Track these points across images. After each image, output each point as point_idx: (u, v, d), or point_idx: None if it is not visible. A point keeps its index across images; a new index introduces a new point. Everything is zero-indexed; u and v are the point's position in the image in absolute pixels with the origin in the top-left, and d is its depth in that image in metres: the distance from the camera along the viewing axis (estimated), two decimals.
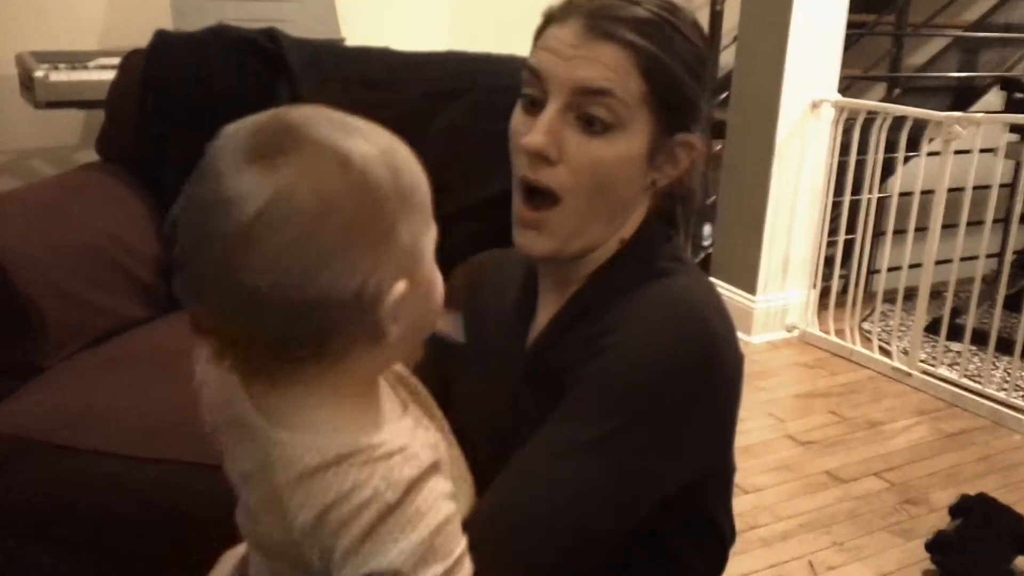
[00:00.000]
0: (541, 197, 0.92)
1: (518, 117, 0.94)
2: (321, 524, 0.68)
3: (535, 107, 0.92)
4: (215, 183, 0.65)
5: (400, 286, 0.69)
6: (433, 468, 0.71)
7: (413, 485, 0.68)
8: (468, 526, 0.75)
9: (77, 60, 2.59)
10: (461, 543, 0.71)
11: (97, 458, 1.43)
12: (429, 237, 0.74)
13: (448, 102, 1.94)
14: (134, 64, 2.14)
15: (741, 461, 2.56)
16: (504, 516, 0.83)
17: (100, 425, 1.47)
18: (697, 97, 0.94)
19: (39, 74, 2.46)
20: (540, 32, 0.94)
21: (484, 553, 0.74)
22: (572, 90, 0.88)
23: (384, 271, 0.68)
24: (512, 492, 0.83)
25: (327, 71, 2.06)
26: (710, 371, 0.89)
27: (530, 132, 0.89)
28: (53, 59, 2.58)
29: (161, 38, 2.14)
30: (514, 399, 0.99)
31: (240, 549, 0.91)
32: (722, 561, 1.05)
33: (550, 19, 0.93)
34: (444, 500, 0.70)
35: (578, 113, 0.89)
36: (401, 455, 0.69)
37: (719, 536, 1.03)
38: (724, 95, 3.45)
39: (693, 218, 1.05)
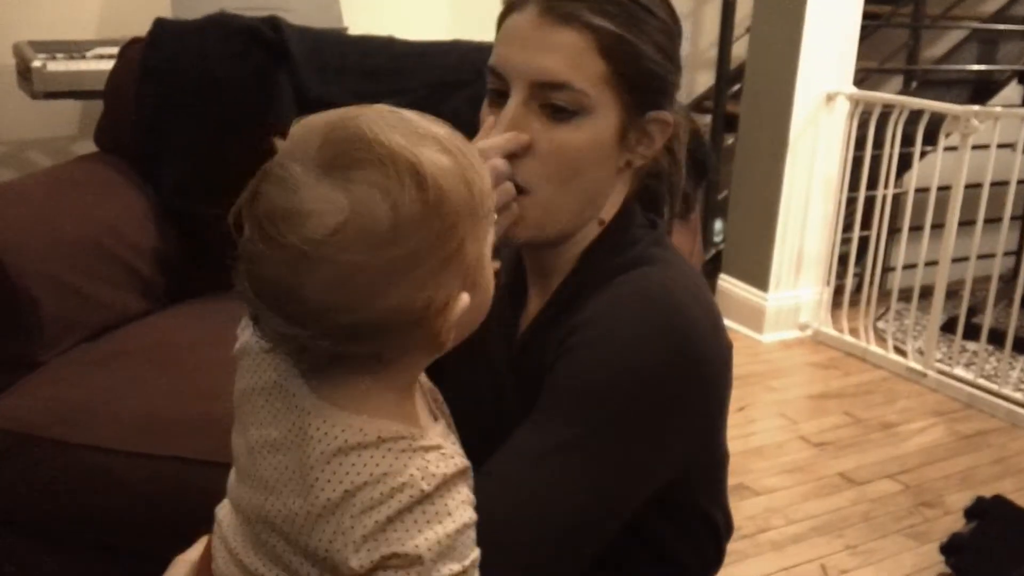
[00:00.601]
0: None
1: (485, 112, 0.93)
2: (347, 503, 0.67)
3: (501, 98, 0.90)
4: (290, 190, 0.64)
5: (464, 299, 0.69)
6: (464, 473, 0.72)
7: (447, 482, 0.68)
8: None
9: (75, 50, 2.55)
10: (476, 552, 0.71)
11: (93, 453, 1.42)
12: (489, 242, 0.73)
13: (453, 92, 1.90)
14: (133, 53, 2.10)
15: (752, 462, 2.54)
16: (490, 536, 0.77)
17: (96, 420, 1.46)
18: (667, 73, 0.92)
19: (36, 64, 2.42)
20: (500, 21, 0.92)
21: None
22: (531, 83, 0.87)
23: (451, 287, 0.68)
24: (481, 499, 0.79)
25: (330, 60, 2.02)
26: (688, 366, 0.86)
27: (494, 128, 0.88)
28: (51, 49, 2.55)
29: (160, 27, 2.10)
30: (499, 392, 0.98)
31: (192, 554, 0.87)
32: (718, 555, 1.03)
33: (510, 7, 0.91)
34: (469, 506, 0.71)
35: (541, 102, 0.87)
36: (438, 452, 0.69)
37: (713, 530, 1.01)
38: (736, 87, 3.40)
39: (680, 198, 1.02)
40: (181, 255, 1.98)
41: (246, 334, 0.78)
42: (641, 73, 0.89)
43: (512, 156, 0.87)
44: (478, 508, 0.75)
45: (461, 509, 0.69)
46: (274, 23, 2.03)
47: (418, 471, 0.67)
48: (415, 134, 0.66)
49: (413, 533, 0.66)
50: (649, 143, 0.93)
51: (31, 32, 2.69)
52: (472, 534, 0.70)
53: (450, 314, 0.68)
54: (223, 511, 0.81)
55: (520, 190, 0.89)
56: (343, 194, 0.63)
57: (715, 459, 1.00)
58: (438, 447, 0.70)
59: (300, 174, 0.64)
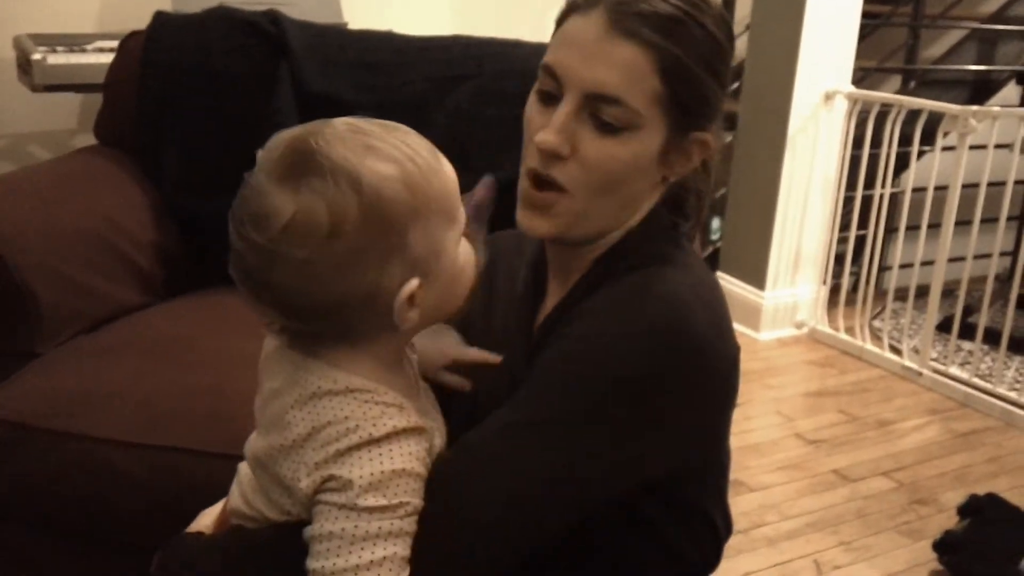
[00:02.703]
0: (549, 184, 0.92)
1: (533, 107, 0.94)
2: (311, 438, 0.78)
3: (551, 100, 0.92)
4: (253, 196, 0.75)
5: (410, 286, 0.78)
6: (417, 432, 0.80)
7: (397, 433, 0.78)
8: None
9: (75, 43, 2.55)
10: (411, 500, 0.77)
11: (92, 444, 1.42)
12: (453, 231, 0.82)
13: (454, 87, 1.90)
14: (133, 46, 2.10)
15: (748, 459, 2.55)
16: (440, 491, 0.82)
17: (96, 411, 1.46)
18: (715, 96, 0.93)
19: (36, 57, 2.42)
20: (561, 21, 0.93)
21: (426, 525, 0.79)
22: (585, 93, 0.88)
23: (394, 276, 0.77)
24: (451, 467, 0.84)
25: (330, 54, 2.02)
26: (678, 367, 0.86)
27: (544, 129, 0.90)
28: (51, 42, 2.55)
29: (160, 20, 2.10)
30: (512, 383, 0.98)
31: (216, 508, 0.97)
32: (716, 554, 1.04)
33: (573, 7, 0.92)
34: (416, 460, 0.79)
35: (592, 112, 0.89)
36: (398, 408, 0.79)
37: (712, 529, 1.02)
38: (736, 85, 3.40)
39: (706, 212, 1.04)
40: (180, 248, 1.99)
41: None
42: (693, 96, 0.90)
43: (556, 157, 0.89)
44: (440, 463, 0.82)
45: (404, 458, 0.77)
46: (273, 17, 2.04)
47: (373, 418, 0.78)
48: (363, 146, 0.76)
49: (354, 465, 0.76)
50: (687, 162, 0.95)
51: (32, 25, 2.70)
52: (411, 483, 0.78)
53: (398, 299, 0.78)
54: (243, 466, 0.92)
55: (559, 188, 0.91)
56: (291, 199, 0.74)
57: (716, 461, 1.00)
58: (399, 405, 0.80)
59: (263, 182, 0.75)
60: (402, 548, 0.76)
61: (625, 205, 0.94)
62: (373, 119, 0.80)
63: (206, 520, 0.97)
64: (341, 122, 0.78)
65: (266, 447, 0.83)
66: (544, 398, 0.86)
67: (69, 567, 1.50)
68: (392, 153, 0.77)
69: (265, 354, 0.88)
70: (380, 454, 0.76)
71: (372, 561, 0.75)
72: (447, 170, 0.81)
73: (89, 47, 2.53)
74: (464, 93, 1.88)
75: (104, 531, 1.44)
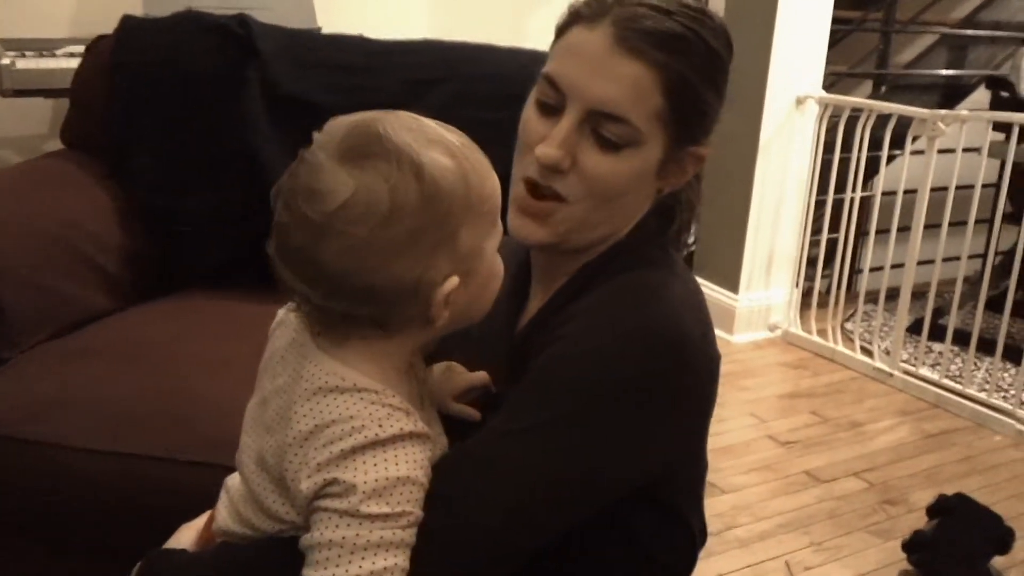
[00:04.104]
0: (548, 194, 0.92)
1: (532, 116, 0.93)
2: (315, 436, 0.77)
3: (551, 111, 0.91)
4: (312, 172, 0.75)
5: (452, 282, 0.78)
6: (422, 439, 0.79)
7: (403, 437, 0.77)
8: None
9: (45, 48, 2.53)
10: (414, 511, 0.76)
11: (61, 451, 1.41)
12: (494, 238, 0.83)
13: (427, 91, 1.91)
14: (101, 50, 2.09)
15: (721, 461, 2.56)
16: (443, 499, 0.81)
17: (64, 418, 1.45)
18: (713, 109, 0.93)
19: (5, 62, 2.40)
20: (564, 29, 0.93)
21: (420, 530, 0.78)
22: (589, 109, 0.88)
23: (440, 269, 0.77)
24: (451, 475, 0.83)
25: (300, 57, 2.02)
26: (669, 369, 0.86)
27: (545, 142, 0.89)
28: (21, 47, 2.53)
29: (129, 23, 2.09)
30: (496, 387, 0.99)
31: (198, 523, 0.96)
32: (691, 560, 1.04)
33: (577, 17, 0.91)
34: (421, 468, 0.77)
35: (593, 127, 0.89)
36: (405, 413, 0.78)
37: (689, 535, 1.02)
38: None
39: (694, 222, 1.04)
40: (149, 252, 1.97)
41: (282, 311, 0.89)
42: (694, 112, 0.91)
43: (556, 170, 0.89)
44: (438, 473, 0.81)
45: (409, 465, 0.76)
46: (243, 20, 2.03)
47: (380, 420, 0.76)
48: (425, 138, 0.77)
49: (358, 468, 0.74)
50: (682, 173, 0.95)
51: (2, 30, 2.68)
52: (414, 492, 0.76)
53: (439, 293, 0.78)
54: (233, 479, 0.91)
55: (559, 198, 0.91)
56: (353, 178, 0.74)
57: (697, 466, 1.01)
58: (406, 409, 0.78)
59: (323, 160, 0.75)
60: (403, 559, 0.75)
61: (621, 216, 0.95)
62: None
63: (187, 535, 0.96)
64: (405, 114, 0.79)
65: (274, 446, 0.81)
66: (543, 401, 0.86)
67: (36, 572, 1.48)
68: (452, 148, 0.78)
69: (268, 355, 0.87)
70: (385, 459, 0.75)
71: (372, 572, 0.73)
72: (493, 175, 0.82)
73: (59, 52, 2.51)
74: (437, 97, 1.88)
75: (69, 536, 1.43)
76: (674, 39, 0.87)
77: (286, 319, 0.88)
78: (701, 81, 0.89)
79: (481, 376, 1.02)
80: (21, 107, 2.71)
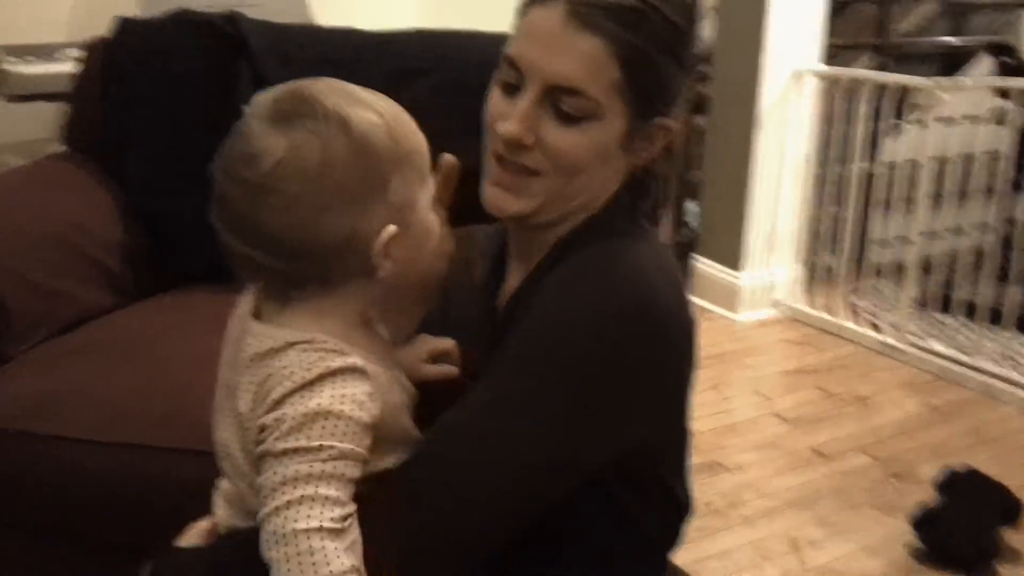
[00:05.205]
0: (519, 167, 0.93)
1: (495, 96, 0.95)
2: (256, 399, 0.79)
3: (513, 90, 0.93)
4: (244, 139, 0.79)
5: (389, 231, 0.81)
6: (354, 371, 0.79)
7: (330, 373, 0.77)
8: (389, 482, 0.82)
9: (46, 52, 2.55)
10: (337, 446, 0.76)
11: (59, 444, 1.44)
12: (425, 191, 0.86)
13: (413, 80, 1.92)
14: (97, 52, 2.12)
15: (725, 439, 2.56)
16: (426, 475, 0.84)
17: (62, 412, 1.48)
18: (676, 81, 0.94)
19: (7, 67, 2.43)
20: (523, 10, 0.94)
21: (396, 505, 0.80)
22: (546, 85, 0.90)
23: (374, 218, 0.81)
24: (433, 450, 0.85)
25: (290, 51, 2.03)
26: (645, 332, 0.87)
27: (507, 119, 0.91)
28: (22, 52, 2.55)
29: (123, 26, 2.12)
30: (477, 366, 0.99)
31: (205, 523, 0.95)
32: (678, 530, 1.05)
33: (530, 1, 0.93)
34: (351, 402, 0.77)
35: (553, 102, 0.90)
36: (338, 353, 0.79)
37: (675, 505, 1.03)
38: (706, 68, 3.41)
39: (670, 195, 1.05)
40: (148, 250, 2.00)
41: (242, 304, 0.89)
42: (654, 83, 0.92)
43: (522, 146, 0.91)
44: (421, 449, 0.84)
45: (332, 399, 0.76)
46: (232, 17, 2.05)
47: (308, 364, 0.77)
48: (352, 98, 0.81)
49: (284, 412, 0.76)
50: (650, 147, 0.96)
51: (3, 36, 2.71)
52: (338, 426, 0.76)
53: (376, 242, 0.81)
54: (222, 482, 0.92)
55: (530, 172, 0.93)
56: (285, 138, 0.78)
57: (678, 435, 1.02)
58: (339, 350, 0.79)
59: (255, 126, 0.79)
60: (326, 489, 0.74)
61: (591, 192, 0.96)
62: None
63: (199, 531, 0.96)
64: (332, 80, 0.83)
65: (232, 428, 0.83)
66: (515, 375, 0.87)
67: (37, 564, 1.52)
68: (377, 107, 0.82)
69: (224, 347, 0.89)
70: (309, 396, 0.76)
71: (290, 502, 0.74)
72: (421, 134, 0.86)
73: (60, 56, 2.54)
74: (423, 86, 1.89)
75: (71, 528, 1.46)
76: (627, 11, 0.88)
77: (241, 311, 0.89)
78: (659, 52, 0.90)
79: (448, 342, 1.04)
80: (25, 111, 2.74)
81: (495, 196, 0.95)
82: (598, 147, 0.92)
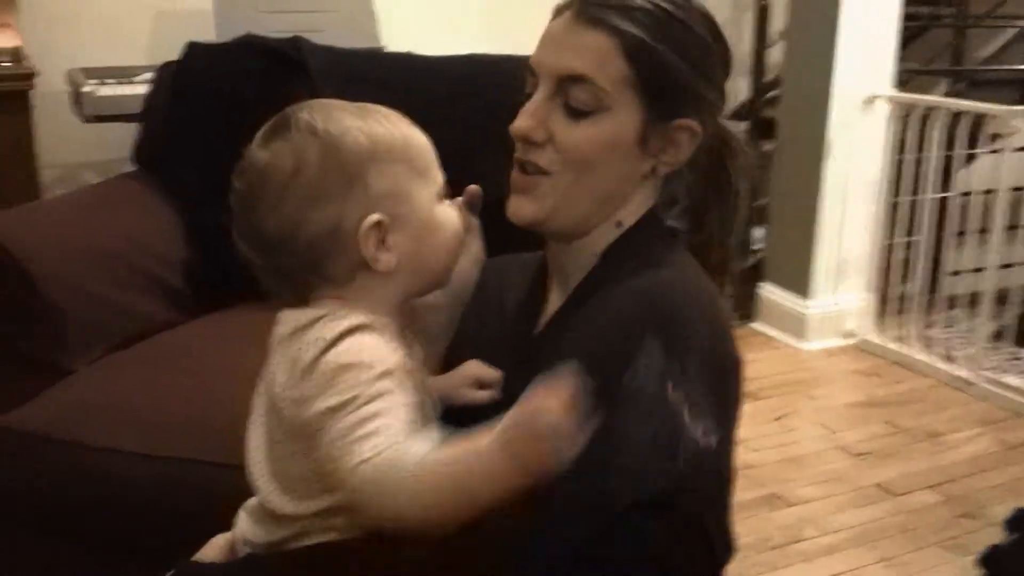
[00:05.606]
0: (533, 169, 0.95)
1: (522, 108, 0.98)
2: (291, 375, 0.83)
3: (531, 98, 0.96)
4: (247, 159, 0.88)
5: (371, 219, 0.85)
6: (372, 328, 0.84)
7: (347, 331, 0.82)
8: None
9: (124, 75, 2.65)
10: (364, 392, 0.79)
11: (104, 454, 1.48)
12: (421, 185, 0.89)
13: (463, 102, 1.94)
14: (165, 75, 2.19)
15: (787, 472, 2.50)
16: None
17: (110, 423, 1.52)
18: (695, 84, 0.94)
19: (87, 89, 2.53)
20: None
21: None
22: (556, 78, 0.93)
23: (356, 208, 0.85)
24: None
25: (350, 76, 2.06)
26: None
27: (518, 117, 0.94)
28: (102, 75, 2.66)
29: (192, 50, 2.18)
30: (513, 390, 0.98)
31: (228, 535, 0.98)
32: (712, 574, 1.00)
33: (553, 15, 0.97)
34: (365, 351, 0.82)
35: (564, 100, 0.93)
36: (355, 314, 0.84)
37: (709, 546, 0.98)
38: (773, 93, 3.37)
39: (734, 221, 1.03)
40: (208, 266, 2.05)
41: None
42: (665, 80, 0.92)
43: (534, 144, 0.94)
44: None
45: (348, 354, 0.82)
46: (296, 43, 2.10)
47: (329, 328, 0.83)
48: (328, 110, 0.88)
49: (315, 374, 0.81)
50: (675, 151, 0.96)
51: (85, 59, 2.82)
52: (360, 374, 0.80)
53: (361, 230, 0.85)
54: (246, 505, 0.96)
55: (542, 171, 0.94)
56: (268, 151, 0.87)
57: (717, 473, 0.98)
58: (355, 314, 0.84)
59: (253, 147, 0.88)
60: (380, 421, 0.79)
61: (608, 193, 0.96)
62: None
63: (216, 546, 0.99)
64: (320, 101, 0.90)
65: (275, 421, 0.86)
66: None
67: (82, 570, 1.55)
68: (359, 113, 0.88)
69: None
70: (331, 358, 0.81)
71: (355, 450, 0.78)
72: (416, 134, 0.90)
73: (137, 79, 2.62)
74: (474, 108, 1.91)
75: (118, 536, 1.49)
76: (634, 9, 0.92)
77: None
78: (667, 49, 0.92)
79: (495, 373, 1.03)
80: (104, 131, 2.84)
81: (513, 204, 0.97)
82: (608, 140, 0.93)
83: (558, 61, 0.93)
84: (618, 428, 0.83)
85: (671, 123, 0.94)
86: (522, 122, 0.94)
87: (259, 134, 0.89)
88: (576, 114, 0.92)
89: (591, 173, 0.94)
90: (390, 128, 0.89)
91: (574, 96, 0.92)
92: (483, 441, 0.74)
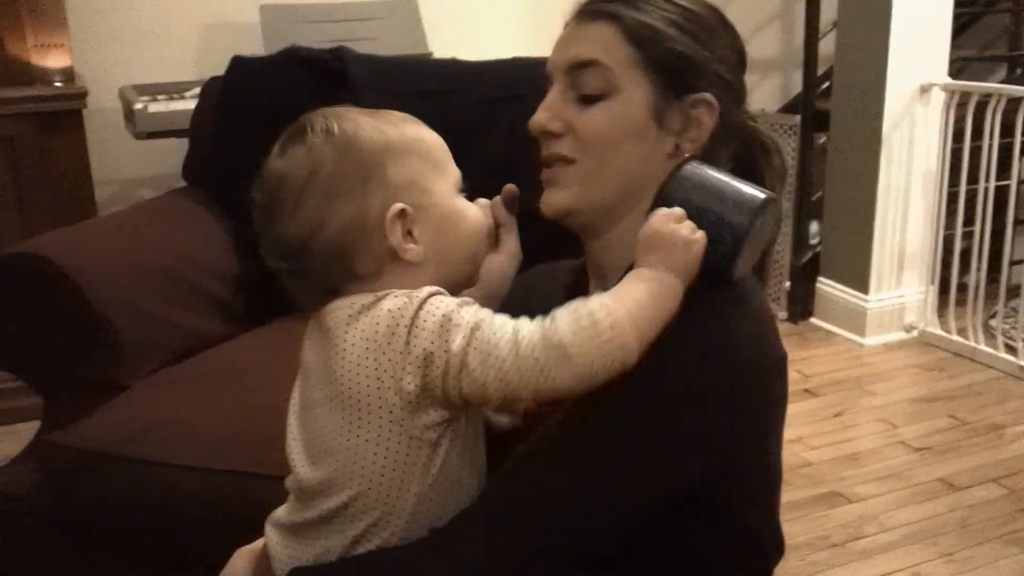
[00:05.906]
0: (557, 159, 0.98)
1: None
2: (371, 346, 0.82)
3: None
4: (265, 169, 0.89)
5: (394, 208, 0.86)
6: (440, 292, 0.84)
7: (432, 295, 0.83)
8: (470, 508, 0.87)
9: (175, 91, 2.70)
10: (471, 320, 0.81)
11: (161, 469, 1.50)
12: (438, 177, 0.90)
13: (505, 106, 1.94)
14: (212, 90, 2.22)
15: (846, 469, 2.47)
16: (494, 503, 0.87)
17: (166, 438, 1.54)
18: (699, 56, 0.96)
19: (138, 106, 2.58)
20: None
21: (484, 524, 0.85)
22: (566, 70, 0.96)
23: (377, 200, 0.86)
24: (507, 478, 0.88)
25: (392, 85, 2.08)
26: (711, 376, 0.85)
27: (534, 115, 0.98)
28: (153, 91, 2.70)
29: (237, 64, 2.22)
30: None
31: (255, 545, 0.99)
32: (760, 574, 1.00)
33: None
34: (456, 304, 0.82)
35: (576, 91, 0.96)
36: (438, 291, 0.84)
37: (758, 549, 0.98)
38: (826, 84, 3.31)
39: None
40: (259, 279, 2.07)
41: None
42: (668, 54, 0.95)
43: (554, 136, 0.96)
44: (499, 487, 0.88)
45: (445, 305, 0.82)
46: (338, 53, 2.12)
47: (409, 296, 0.83)
48: (345, 113, 0.90)
49: (423, 336, 0.81)
50: (696, 128, 0.96)
51: (136, 76, 2.88)
52: (465, 315, 0.81)
53: (387, 220, 0.86)
54: (278, 511, 0.97)
55: (565, 160, 0.96)
56: (283, 159, 0.88)
57: (763, 475, 0.98)
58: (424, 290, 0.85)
59: (271, 157, 0.89)
60: (517, 322, 0.81)
61: (632, 175, 0.96)
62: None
63: (243, 560, 1.00)
64: (335, 108, 0.91)
65: (320, 401, 0.87)
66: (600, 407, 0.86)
67: None
68: (372, 114, 0.90)
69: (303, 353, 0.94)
70: (427, 315, 0.81)
71: (516, 328, 0.81)
72: (429, 132, 0.92)
73: (188, 95, 2.67)
74: (516, 113, 1.90)
75: (172, 548, 1.52)
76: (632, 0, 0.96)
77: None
78: (668, 27, 0.95)
79: None
80: (156, 147, 2.90)
81: (543, 197, 0.99)
82: (623, 121, 0.94)
83: (566, 54, 0.96)
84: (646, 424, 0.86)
85: (685, 99, 0.95)
86: (538, 116, 0.97)
87: (276, 145, 0.90)
88: (589, 100, 0.95)
89: (613, 155, 0.95)
90: (403, 127, 0.90)
91: (584, 82, 0.94)
92: (638, 273, 0.84)
